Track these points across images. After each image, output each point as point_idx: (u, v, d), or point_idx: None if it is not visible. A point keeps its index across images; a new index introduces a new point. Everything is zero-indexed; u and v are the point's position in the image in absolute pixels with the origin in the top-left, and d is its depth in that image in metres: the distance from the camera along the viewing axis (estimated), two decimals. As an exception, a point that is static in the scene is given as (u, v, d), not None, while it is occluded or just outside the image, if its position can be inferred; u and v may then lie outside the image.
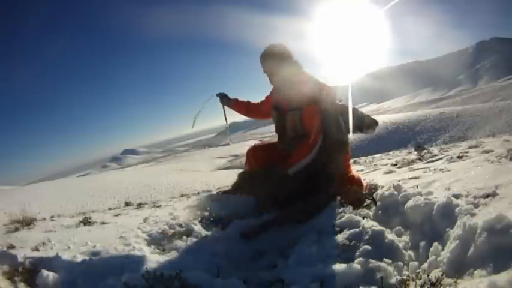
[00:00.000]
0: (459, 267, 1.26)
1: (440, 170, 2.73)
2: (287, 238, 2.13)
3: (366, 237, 1.71)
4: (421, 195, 1.90)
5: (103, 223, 2.91)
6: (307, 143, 2.54)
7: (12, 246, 2.11)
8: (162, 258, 1.89)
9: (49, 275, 1.55)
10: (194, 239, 2.22)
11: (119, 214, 3.61)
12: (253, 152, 3.00)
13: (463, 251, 1.29)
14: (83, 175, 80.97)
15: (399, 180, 2.56)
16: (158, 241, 2.25)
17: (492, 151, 3.17)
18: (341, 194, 2.26)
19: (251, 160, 2.98)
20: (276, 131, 2.91)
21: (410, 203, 1.84)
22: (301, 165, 2.51)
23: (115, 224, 2.83)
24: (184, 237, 2.28)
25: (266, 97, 3.08)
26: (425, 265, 1.43)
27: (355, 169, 3.98)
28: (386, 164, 4.44)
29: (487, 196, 1.65)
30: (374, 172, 4.13)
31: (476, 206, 1.59)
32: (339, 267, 1.51)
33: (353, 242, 1.70)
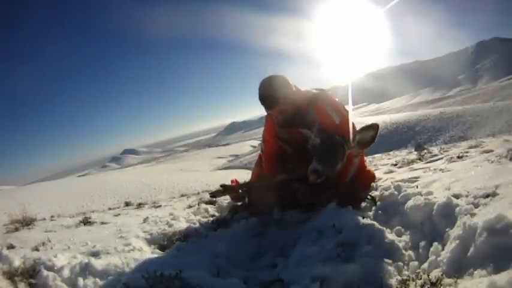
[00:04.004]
0: (459, 267, 1.26)
1: (440, 170, 2.73)
2: (287, 238, 2.13)
3: (366, 237, 1.71)
4: (421, 195, 1.90)
5: (103, 223, 2.91)
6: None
7: (12, 246, 2.11)
8: (162, 258, 1.89)
9: (49, 275, 1.55)
10: (194, 239, 2.22)
11: (119, 214, 3.61)
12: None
13: (463, 251, 1.29)
14: (83, 175, 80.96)
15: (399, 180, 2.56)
16: (158, 241, 2.25)
17: (492, 151, 3.17)
18: (341, 194, 2.26)
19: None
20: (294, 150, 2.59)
21: (410, 203, 1.85)
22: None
23: (115, 224, 2.82)
24: (184, 237, 2.28)
25: (266, 136, 2.72)
26: (425, 265, 1.43)
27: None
28: (387, 164, 4.43)
29: (487, 196, 1.65)
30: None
31: (476, 206, 1.58)
32: (339, 267, 1.51)
33: (353, 242, 1.70)
